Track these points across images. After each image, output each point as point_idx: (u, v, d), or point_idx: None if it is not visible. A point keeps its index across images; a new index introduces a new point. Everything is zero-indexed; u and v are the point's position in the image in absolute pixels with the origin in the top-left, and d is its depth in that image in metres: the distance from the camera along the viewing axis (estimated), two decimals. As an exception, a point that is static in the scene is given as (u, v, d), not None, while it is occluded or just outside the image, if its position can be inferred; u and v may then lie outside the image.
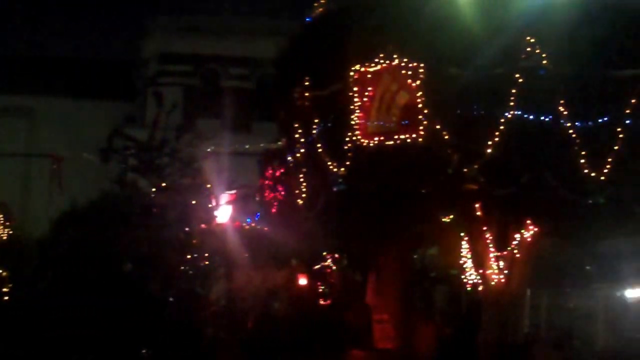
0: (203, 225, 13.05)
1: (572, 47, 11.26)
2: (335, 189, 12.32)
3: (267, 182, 18.20)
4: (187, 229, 11.89)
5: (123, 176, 11.60)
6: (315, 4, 13.93)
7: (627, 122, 11.37)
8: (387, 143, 11.62)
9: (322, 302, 20.12)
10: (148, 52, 33.16)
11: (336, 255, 20.22)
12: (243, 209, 16.79)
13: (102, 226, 10.85)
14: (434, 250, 17.64)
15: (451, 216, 13.79)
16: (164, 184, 11.52)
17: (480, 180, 11.34)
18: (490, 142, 11.19)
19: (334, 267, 20.66)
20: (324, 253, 19.98)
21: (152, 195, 11.42)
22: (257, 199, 18.19)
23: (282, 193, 17.67)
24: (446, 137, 11.30)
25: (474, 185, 11.45)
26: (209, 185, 12.93)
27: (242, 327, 14.82)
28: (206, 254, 12.26)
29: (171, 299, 11.07)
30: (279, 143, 16.65)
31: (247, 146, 19.00)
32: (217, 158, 14.66)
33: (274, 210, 18.14)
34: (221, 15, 33.74)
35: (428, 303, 19.40)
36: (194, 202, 11.97)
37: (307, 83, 12.77)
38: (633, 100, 11.35)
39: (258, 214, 19.06)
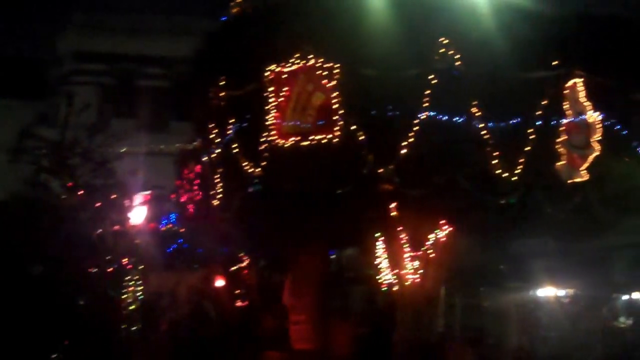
0: (116, 227, 12.75)
1: (484, 48, 11.44)
2: (251, 190, 12.17)
3: (183, 182, 17.95)
4: (99, 230, 11.57)
5: (34, 177, 11.20)
6: (232, 3, 13.78)
7: (538, 123, 11.64)
8: (302, 143, 11.56)
9: (239, 303, 19.97)
10: (62, 50, 32.36)
11: (253, 257, 20.07)
12: (158, 210, 16.49)
13: (10, 227, 10.42)
14: (351, 250, 17.69)
15: (367, 216, 13.86)
16: (75, 185, 11.17)
17: (395, 180, 11.38)
18: (404, 143, 11.26)
19: (251, 269, 20.52)
20: (241, 254, 19.82)
21: (64, 197, 11.06)
22: (173, 200, 17.92)
23: (199, 194, 17.47)
24: (361, 137, 11.31)
25: (389, 186, 11.50)
26: (122, 186, 12.63)
27: (157, 329, 14.53)
28: (119, 256, 11.96)
29: (82, 302, 10.74)
30: (195, 143, 16.43)
31: (162, 146, 18.67)
32: (131, 158, 14.32)
33: (190, 211, 17.91)
34: (137, 13, 33.22)
35: (344, 303, 19.47)
36: (106, 202, 11.64)
37: (222, 82, 12.60)
38: (544, 102, 11.61)
39: (173, 215, 18.79)
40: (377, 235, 14.28)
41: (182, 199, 17.97)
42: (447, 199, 11.64)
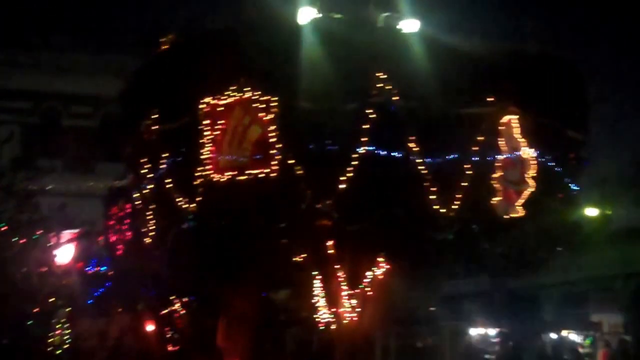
0: (42, 267, 12.19)
1: (419, 84, 11.46)
2: (185, 226, 11.81)
3: (111, 222, 17.43)
4: (24, 269, 11.00)
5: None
6: (163, 39, 13.55)
7: (475, 159, 11.66)
8: (239, 178, 11.28)
9: (170, 348, 19.42)
10: (-18, 86, 31.46)
11: (185, 299, 19.58)
12: (86, 251, 15.92)
13: None
14: (285, 291, 17.42)
15: (304, 254, 13.64)
16: (-4, 221, 10.62)
17: (334, 215, 11.20)
18: (343, 178, 11.11)
19: (183, 312, 20.00)
20: (172, 297, 19.31)
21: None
22: (101, 240, 17.37)
23: (128, 233, 16.96)
24: (299, 172, 11.12)
25: (328, 221, 11.31)
26: (48, 222, 12.09)
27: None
28: (45, 296, 11.39)
29: (4, 342, 10.11)
30: (124, 181, 16.00)
31: (90, 183, 18.10)
32: (57, 197, 13.78)
33: (119, 252, 17.37)
34: (62, 52, 32.66)
35: (278, 346, 19.14)
36: (31, 239, 11.09)
37: (154, 116, 12.27)
38: (479, 138, 11.66)
39: (96, 258, 18.20)
40: (313, 273, 14.07)
41: (111, 240, 17.46)
42: (385, 234, 11.50)
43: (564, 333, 29.30)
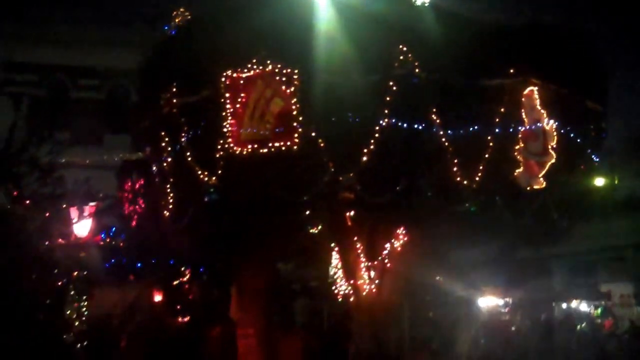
0: (62, 240, 12.20)
1: (441, 56, 11.40)
2: (206, 199, 11.81)
3: (125, 195, 17.42)
4: (47, 243, 11.01)
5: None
6: (178, 11, 13.48)
7: (496, 131, 11.64)
8: (261, 151, 11.26)
9: (180, 319, 19.49)
10: (-8, 61, 31.25)
11: (196, 270, 19.64)
12: (102, 223, 15.93)
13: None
14: (301, 261, 17.49)
15: (321, 226, 13.68)
16: (21, 194, 10.59)
17: (356, 188, 11.21)
18: (365, 150, 11.10)
19: (193, 283, 20.07)
20: (183, 268, 19.37)
21: (9, 206, 10.45)
22: (115, 213, 17.36)
23: (142, 206, 16.96)
24: (321, 144, 11.10)
25: (350, 194, 11.31)
26: (71, 196, 12.08)
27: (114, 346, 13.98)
28: (67, 270, 11.42)
29: (39, 318, 10.14)
30: (139, 154, 15.95)
31: (104, 156, 18.03)
32: (72, 170, 13.74)
33: (133, 224, 17.39)
34: (71, 24, 32.38)
35: (289, 316, 19.26)
36: (54, 213, 11.09)
37: (175, 89, 12.21)
38: (501, 110, 11.63)
39: (113, 228, 18.22)
40: (331, 245, 14.13)
41: (125, 211, 17.47)
42: (408, 207, 11.51)
43: (574, 303, 29.40)
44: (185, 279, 19.77)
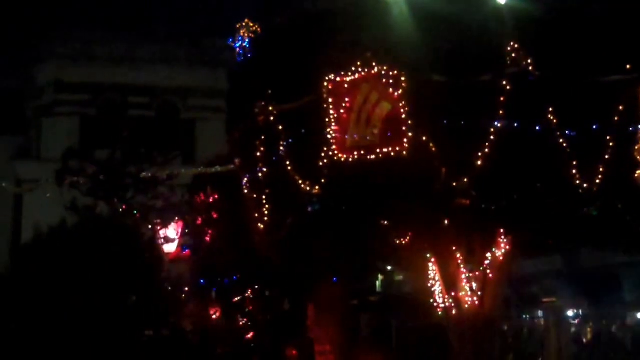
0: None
1: (555, 52, 10.85)
2: (309, 209, 11.34)
3: (198, 208, 17.08)
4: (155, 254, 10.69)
5: (91, 199, 10.18)
6: (242, 24, 13.09)
7: (616, 130, 11.03)
8: (368, 157, 10.77)
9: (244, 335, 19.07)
10: (42, 81, 31.16)
11: (258, 286, 19.17)
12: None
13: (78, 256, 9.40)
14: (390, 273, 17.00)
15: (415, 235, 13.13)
16: (128, 207, 10.25)
17: (471, 194, 10.66)
18: (480, 154, 10.56)
19: (258, 298, 19.63)
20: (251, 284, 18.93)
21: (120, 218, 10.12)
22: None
23: (216, 220, 16.59)
24: (433, 149, 10.59)
25: (465, 200, 10.76)
26: (174, 209, 11.76)
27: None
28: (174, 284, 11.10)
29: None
30: (215, 167, 15.57)
31: (175, 172, 17.65)
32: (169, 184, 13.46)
33: (207, 238, 17.02)
34: (120, 42, 32.33)
35: (377, 332, 18.78)
36: (158, 227, 10.77)
37: (270, 97, 11.78)
38: (621, 107, 11.02)
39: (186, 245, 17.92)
40: (428, 255, 13.57)
41: (198, 225, 17.10)
42: (525, 212, 10.93)
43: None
44: (247, 294, 19.34)
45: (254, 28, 14.31)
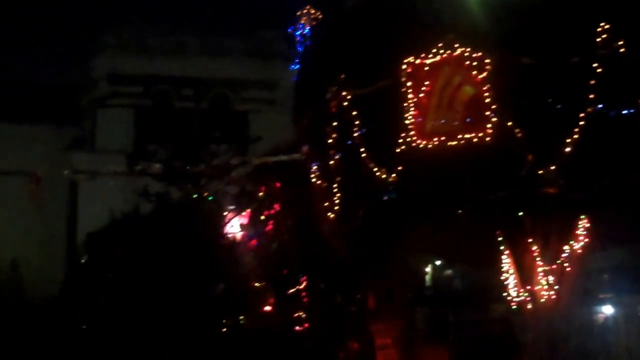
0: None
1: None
2: (386, 198, 10.92)
3: (261, 199, 16.83)
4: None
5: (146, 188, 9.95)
6: (303, 12, 12.72)
7: None
8: (449, 144, 10.34)
9: (297, 328, 18.78)
10: (97, 73, 31.28)
11: (317, 278, 18.82)
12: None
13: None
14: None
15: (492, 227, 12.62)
16: (204, 194, 10.00)
17: (560, 182, 10.15)
18: (568, 140, 10.05)
19: (312, 290, 19.29)
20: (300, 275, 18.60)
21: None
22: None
23: (278, 210, 16.28)
24: (519, 135, 10.11)
25: (553, 189, 10.25)
26: (248, 196, 11.50)
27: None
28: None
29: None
30: (281, 155, 15.22)
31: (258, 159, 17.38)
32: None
33: (268, 227, 16.75)
34: (173, 34, 32.35)
35: (433, 325, 18.30)
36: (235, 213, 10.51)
37: (344, 81, 11.37)
38: None
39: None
40: (500, 248, 13.05)
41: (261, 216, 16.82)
42: (617, 202, 10.39)
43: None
44: (301, 287, 19.01)
45: (315, 15, 13.99)
